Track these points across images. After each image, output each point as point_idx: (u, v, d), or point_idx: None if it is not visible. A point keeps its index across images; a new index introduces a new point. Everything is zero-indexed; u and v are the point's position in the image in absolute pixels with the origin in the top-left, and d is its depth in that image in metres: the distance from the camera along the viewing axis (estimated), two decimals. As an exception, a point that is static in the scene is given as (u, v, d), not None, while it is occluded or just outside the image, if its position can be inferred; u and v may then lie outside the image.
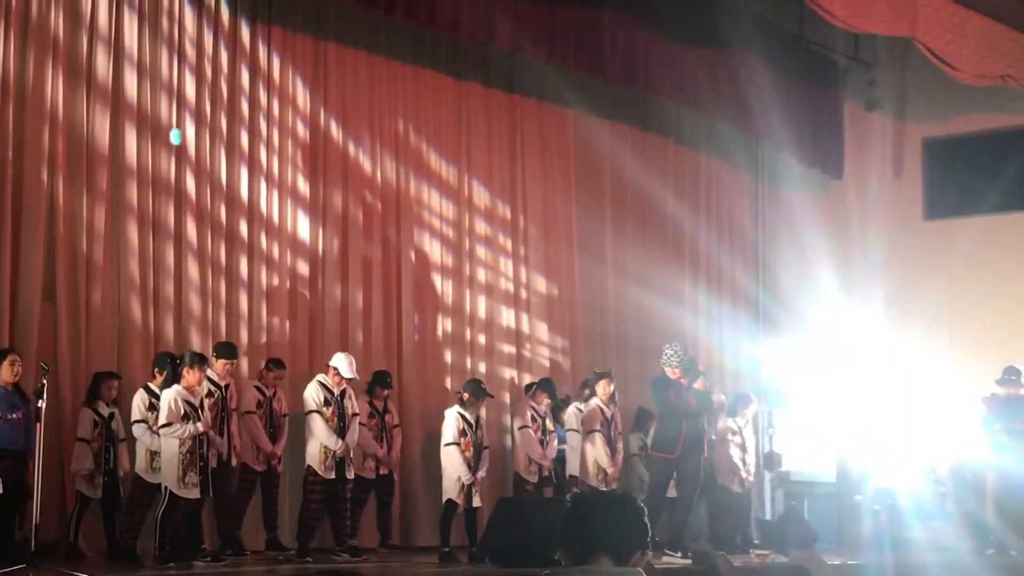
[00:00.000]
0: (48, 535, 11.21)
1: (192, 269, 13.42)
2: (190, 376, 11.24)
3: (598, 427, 14.22)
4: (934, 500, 16.21)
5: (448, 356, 15.96)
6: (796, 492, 18.70)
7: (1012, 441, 14.88)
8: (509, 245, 16.90)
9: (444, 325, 15.97)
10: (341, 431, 12.60)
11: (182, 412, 11.11)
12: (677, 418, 13.36)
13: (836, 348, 18.82)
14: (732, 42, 17.46)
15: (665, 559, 12.92)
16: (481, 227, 16.57)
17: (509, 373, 16.63)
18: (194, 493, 11.16)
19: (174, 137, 12.93)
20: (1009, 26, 16.71)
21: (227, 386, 12.42)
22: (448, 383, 15.65)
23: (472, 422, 13.22)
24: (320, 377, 12.84)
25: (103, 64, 12.85)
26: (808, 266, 19.39)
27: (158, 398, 11.49)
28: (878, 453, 17.45)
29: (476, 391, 13.36)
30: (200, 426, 11.12)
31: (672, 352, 13.58)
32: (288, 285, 14.42)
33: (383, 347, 15.21)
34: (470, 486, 13.00)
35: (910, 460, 16.79)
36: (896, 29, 16.64)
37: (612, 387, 14.46)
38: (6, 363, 11.01)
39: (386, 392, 14.02)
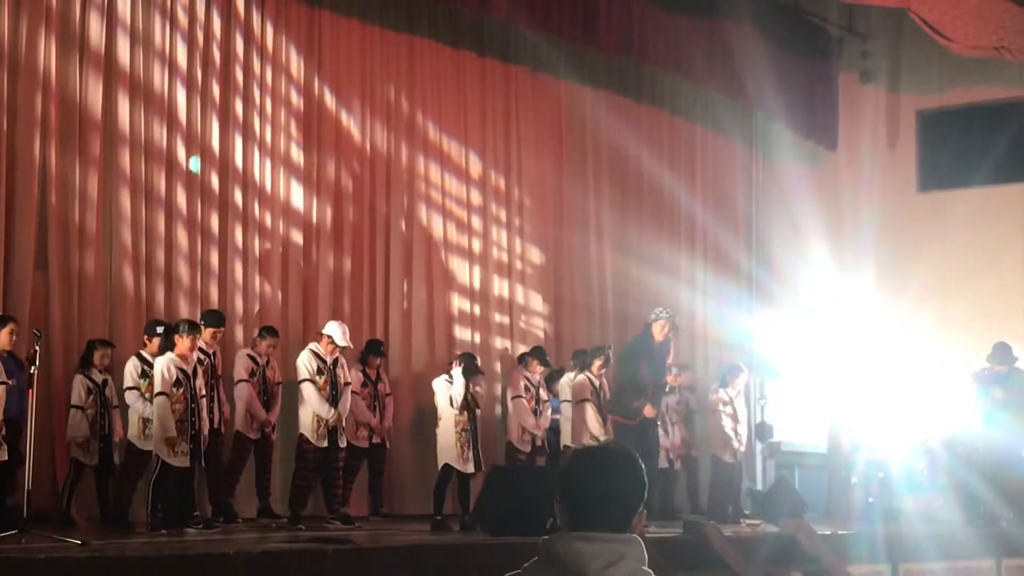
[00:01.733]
0: (40, 502, 11.21)
1: (184, 237, 13.42)
2: (182, 344, 11.26)
3: (588, 396, 14.23)
4: (925, 471, 16.24)
5: (440, 324, 15.96)
6: (787, 463, 18.75)
7: (1003, 413, 14.92)
8: (502, 215, 16.90)
9: (436, 294, 15.96)
10: (334, 399, 12.63)
11: (175, 379, 11.13)
12: (642, 389, 13.21)
13: (828, 320, 18.84)
14: (727, 12, 17.42)
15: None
16: (474, 197, 16.56)
17: (501, 343, 16.64)
18: (184, 461, 11.18)
19: (194, 165, 13.02)
20: (1003, -3, 16.69)
21: (214, 353, 12.43)
22: (442, 352, 15.66)
23: (465, 392, 13.18)
24: (313, 345, 12.86)
25: (96, 31, 12.81)
26: (801, 238, 19.38)
27: (150, 365, 11.53)
28: (869, 424, 17.47)
29: (469, 364, 13.34)
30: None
31: (663, 310, 13.42)
32: (281, 253, 14.41)
33: (375, 316, 15.22)
34: (468, 450, 13.02)
35: (901, 432, 16.81)
36: (890, 0, 16.61)
37: (603, 363, 14.45)
38: (6, 330, 11.02)
39: (379, 361, 14.04)
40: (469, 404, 13.20)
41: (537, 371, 15.11)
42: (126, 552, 8.59)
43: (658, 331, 13.12)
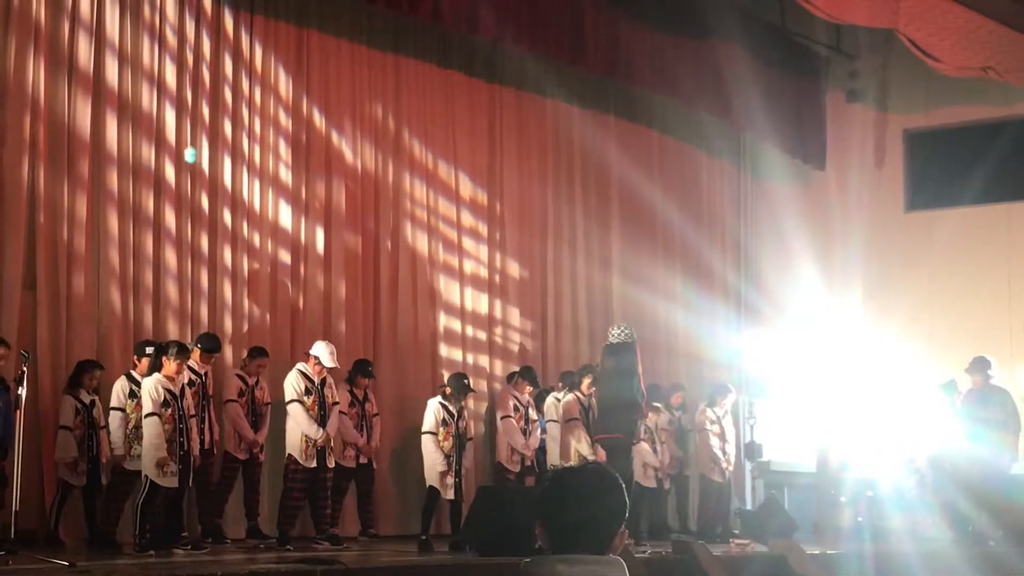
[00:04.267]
0: (27, 523, 11.20)
1: (173, 258, 13.40)
2: (169, 366, 11.27)
3: (577, 415, 14.20)
4: (913, 490, 16.26)
5: (427, 345, 15.96)
6: (776, 482, 18.76)
7: (987, 431, 14.96)
8: (489, 234, 16.90)
9: (424, 313, 15.96)
10: (322, 420, 12.64)
11: (162, 399, 11.14)
12: (637, 405, 13.09)
13: (817, 339, 18.85)
14: (714, 32, 17.46)
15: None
16: (462, 217, 16.57)
17: (487, 361, 16.63)
18: (172, 482, 11.17)
19: (189, 155, 12.99)
20: (990, 18, 16.73)
21: (205, 374, 12.44)
22: (430, 373, 15.67)
23: (454, 413, 13.22)
24: (300, 366, 12.87)
25: (85, 52, 12.82)
26: (790, 257, 19.42)
27: (139, 385, 11.52)
28: (858, 443, 17.50)
29: (459, 387, 13.37)
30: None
31: (625, 326, 13.34)
32: (269, 273, 14.41)
33: (363, 336, 15.22)
34: (450, 476, 13.00)
35: (890, 450, 16.84)
36: (878, 20, 16.67)
37: (592, 382, 14.41)
38: (-5, 351, 11.04)
39: (367, 381, 14.04)
40: (458, 429, 13.16)
41: (526, 391, 15.12)
42: (114, 573, 8.58)
43: (638, 348, 13.10)
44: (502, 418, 15.01)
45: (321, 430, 12.57)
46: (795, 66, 19.50)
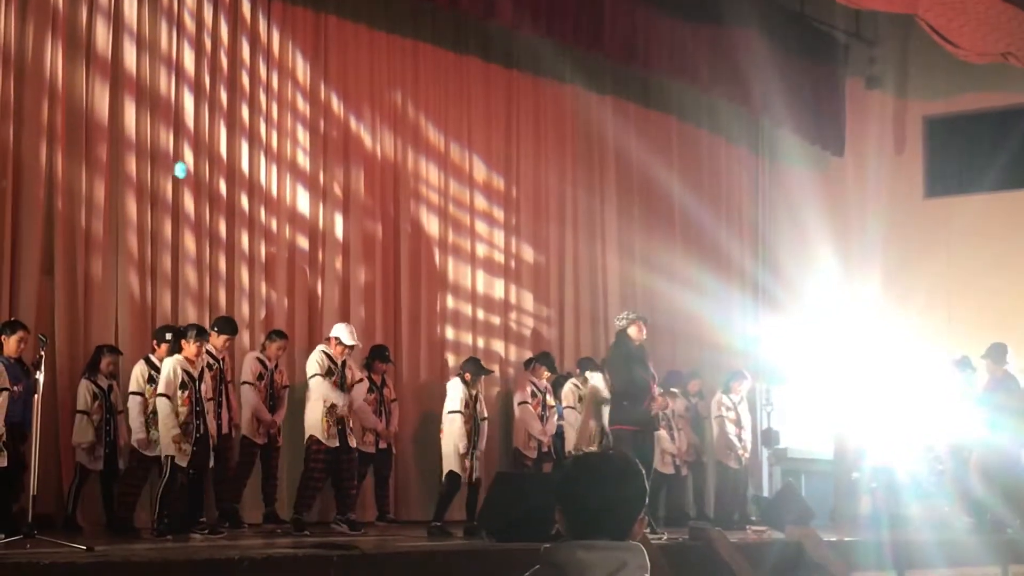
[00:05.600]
0: (44, 507, 11.23)
1: (191, 243, 13.42)
2: (189, 348, 11.29)
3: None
4: (931, 478, 16.22)
5: (446, 330, 15.96)
6: (793, 469, 18.72)
7: (1007, 419, 14.91)
8: (509, 220, 16.89)
9: (442, 299, 15.97)
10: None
11: (180, 381, 11.16)
12: (642, 392, 12.61)
13: (835, 326, 18.82)
14: (733, 18, 17.42)
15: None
16: (479, 202, 16.57)
17: (504, 347, 16.63)
18: (184, 461, 11.17)
19: (179, 171, 12.99)
20: (1010, 3, 16.67)
21: (223, 359, 12.45)
22: (448, 358, 15.67)
23: (472, 396, 13.18)
24: (322, 347, 12.83)
25: (103, 37, 12.83)
26: (807, 243, 19.38)
27: (158, 371, 11.52)
28: (876, 431, 17.46)
29: (475, 369, 13.34)
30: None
31: (631, 312, 13.12)
32: (287, 259, 14.42)
33: (382, 322, 15.23)
34: (469, 459, 12.96)
35: (907, 438, 16.80)
36: (898, 6, 16.63)
37: None
38: (15, 337, 11.05)
39: (384, 366, 14.03)
40: (475, 411, 13.12)
41: (544, 376, 15.10)
42: (132, 558, 8.59)
43: (635, 332, 12.68)
44: (519, 403, 14.98)
45: (345, 395, 12.52)
46: (814, 52, 19.44)
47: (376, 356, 13.97)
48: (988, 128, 19.25)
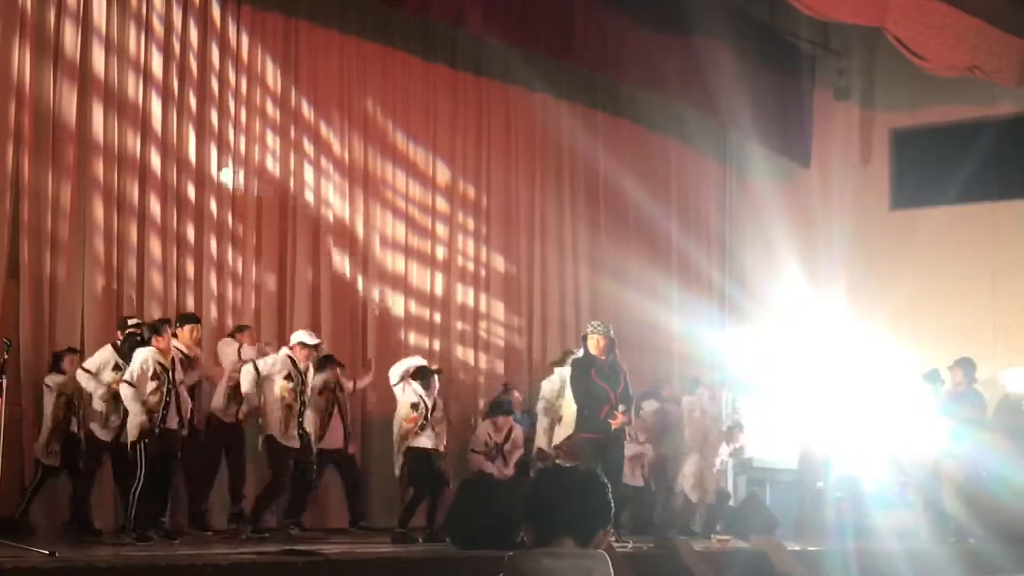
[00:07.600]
0: (6, 510, 11.20)
1: (158, 247, 13.38)
2: (159, 342, 11.21)
3: None
4: (896, 488, 16.29)
5: (410, 336, 15.92)
6: (758, 479, 18.77)
7: (968, 430, 15.00)
8: (474, 227, 16.89)
9: (407, 305, 15.95)
10: (301, 406, 12.54)
11: (151, 371, 11.09)
12: (598, 402, 12.50)
13: (800, 336, 18.87)
14: (702, 29, 17.43)
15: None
16: (446, 209, 16.55)
17: (474, 355, 16.62)
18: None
19: (225, 176, 13.04)
20: (978, 17, 16.76)
21: (195, 356, 12.39)
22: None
23: (428, 402, 13.02)
24: (286, 350, 12.75)
25: (71, 39, 12.77)
26: (773, 254, 19.42)
27: (126, 360, 11.38)
28: (841, 441, 17.52)
29: (423, 375, 13.19)
30: None
31: (598, 324, 13.11)
32: (255, 264, 14.38)
33: (349, 327, 15.22)
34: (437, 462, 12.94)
35: (872, 448, 16.86)
36: (865, 18, 16.68)
37: None
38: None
39: (338, 369, 13.88)
40: (432, 416, 13.00)
41: (504, 429, 14.69)
42: (95, 563, 8.55)
43: (592, 346, 12.60)
44: (471, 450, 14.68)
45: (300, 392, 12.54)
46: (782, 63, 19.52)
47: (328, 360, 13.82)
48: (954, 140, 19.32)
